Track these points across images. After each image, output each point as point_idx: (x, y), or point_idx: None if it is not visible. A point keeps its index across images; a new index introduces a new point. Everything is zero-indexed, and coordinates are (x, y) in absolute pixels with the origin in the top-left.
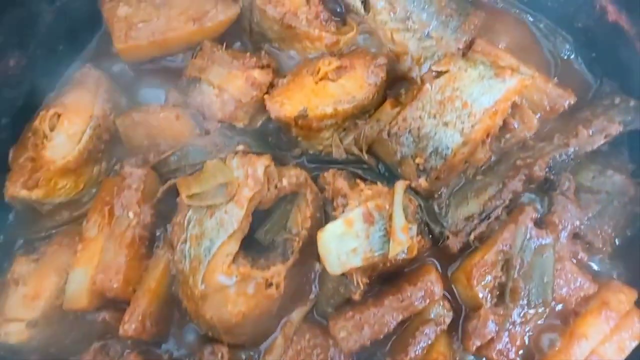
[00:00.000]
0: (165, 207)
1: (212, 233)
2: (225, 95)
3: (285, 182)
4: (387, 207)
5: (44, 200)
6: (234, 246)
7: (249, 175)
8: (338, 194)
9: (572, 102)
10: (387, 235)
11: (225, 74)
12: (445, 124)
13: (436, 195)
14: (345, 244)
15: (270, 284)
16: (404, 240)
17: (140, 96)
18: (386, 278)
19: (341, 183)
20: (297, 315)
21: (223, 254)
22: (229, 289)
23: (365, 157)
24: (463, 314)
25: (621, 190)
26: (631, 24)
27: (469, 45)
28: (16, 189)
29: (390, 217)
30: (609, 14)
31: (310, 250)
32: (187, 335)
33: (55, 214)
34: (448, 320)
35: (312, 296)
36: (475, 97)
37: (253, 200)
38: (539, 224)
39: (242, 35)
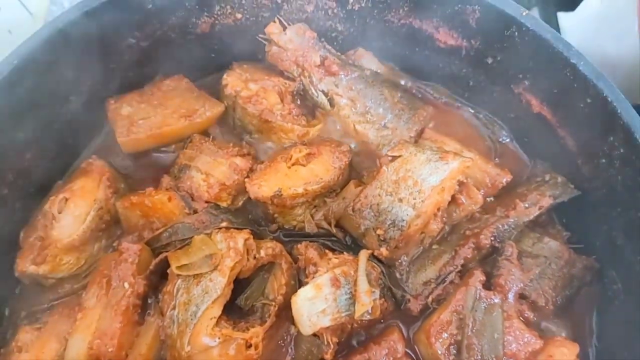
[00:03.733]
0: (156, 278)
1: (198, 299)
2: (212, 179)
3: (262, 253)
4: (353, 273)
5: (49, 274)
6: (217, 310)
7: (231, 248)
8: (309, 263)
9: (508, 180)
10: (353, 298)
11: (211, 162)
12: (400, 200)
13: (397, 264)
14: (315, 306)
15: (250, 345)
16: (368, 302)
17: (138, 182)
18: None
19: (312, 253)
20: None
21: (207, 318)
22: (212, 350)
23: (334, 230)
24: None
25: (557, 255)
26: (552, 114)
27: (420, 134)
28: (26, 265)
29: (355, 282)
30: (532, 106)
31: (286, 314)
32: None
33: (58, 287)
34: None
35: (288, 358)
36: (424, 176)
37: (234, 269)
38: (488, 286)
39: (226, 128)
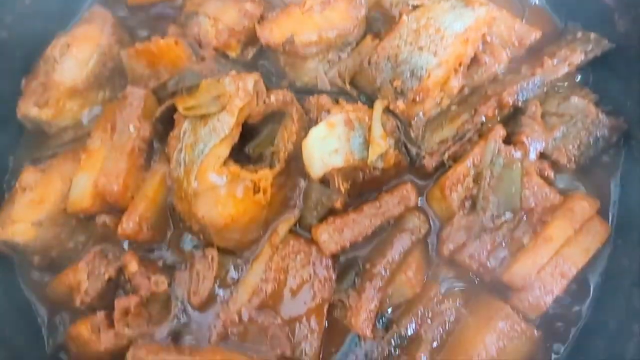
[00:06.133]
0: (162, 127)
1: (205, 138)
2: (220, 24)
3: (273, 98)
4: (367, 119)
5: (52, 121)
6: (225, 150)
7: (240, 88)
8: (322, 109)
9: (537, 37)
10: (367, 143)
11: (220, 6)
12: (420, 49)
13: (413, 122)
14: (327, 145)
15: (258, 190)
16: (382, 145)
17: (142, 35)
18: (366, 195)
19: (325, 100)
20: (282, 226)
21: (215, 155)
22: (219, 189)
23: (348, 87)
24: (438, 228)
25: (584, 113)
26: None
27: None
28: (28, 108)
29: (370, 129)
30: None
31: (295, 166)
32: (180, 245)
33: (62, 134)
34: (424, 231)
35: (296, 210)
36: (447, 24)
37: (243, 111)
38: (509, 143)
39: None
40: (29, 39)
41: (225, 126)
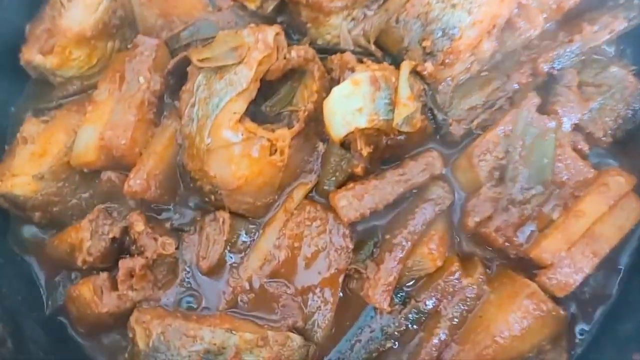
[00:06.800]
0: (174, 81)
1: (220, 92)
2: None
3: (294, 54)
4: (394, 80)
5: (58, 70)
6: (241, 105)
7: (260, 40)
8: (345, 67)
9: (577, 1)
10: (392, 105)
11: None
12: (453, 6)
13: (440, 88)
14: (351, 103)
15: (275, 150)
16: (410, 106)
17: None
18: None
19: (349, 57)
20: (298, 191)
21: (230, 111)
22: (234, 147)
23: (373, 48)
24: (463, 200)
25: (623, 84)
26: None
27: None
28: (32, 54)
29: (396, 90)
30: None
31: (314, 128)
32: (190, 207)
33: (67, 84)
34: (448, 202)
35: (314, 175)
36: None
37: (262, 64)
38: (542, 113)
39: None
40: None
41: (243, 80)
